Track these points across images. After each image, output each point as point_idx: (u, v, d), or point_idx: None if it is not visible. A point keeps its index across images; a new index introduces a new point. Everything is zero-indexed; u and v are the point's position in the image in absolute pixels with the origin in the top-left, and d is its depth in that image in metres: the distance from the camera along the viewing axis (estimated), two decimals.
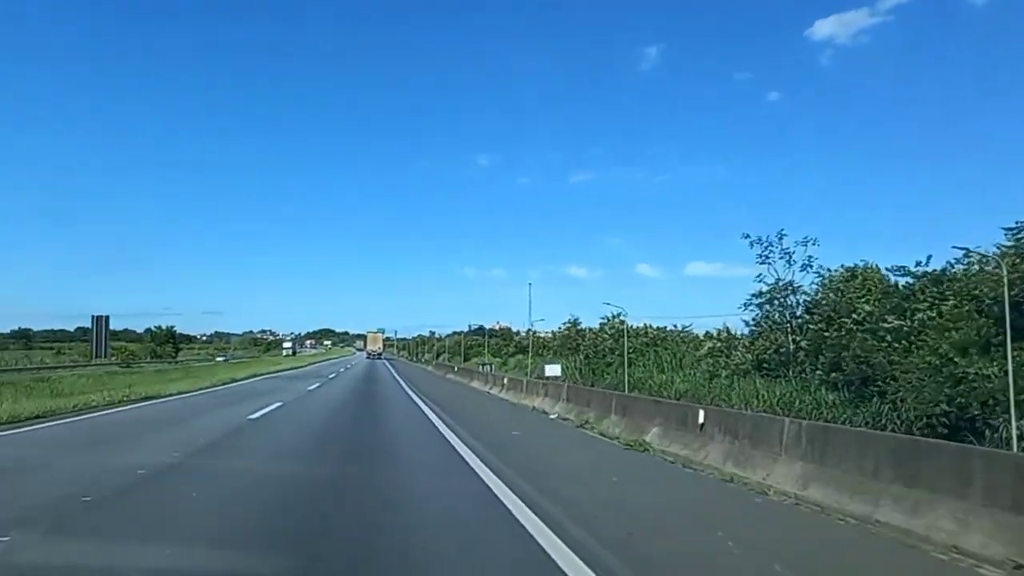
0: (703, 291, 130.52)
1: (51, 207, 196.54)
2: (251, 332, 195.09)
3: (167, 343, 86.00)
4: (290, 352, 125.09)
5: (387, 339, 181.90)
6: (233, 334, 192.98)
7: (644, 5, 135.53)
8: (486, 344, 56.69)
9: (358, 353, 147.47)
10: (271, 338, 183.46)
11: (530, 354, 41.01)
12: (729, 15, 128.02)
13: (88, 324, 79.65)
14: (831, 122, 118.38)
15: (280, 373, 40.67)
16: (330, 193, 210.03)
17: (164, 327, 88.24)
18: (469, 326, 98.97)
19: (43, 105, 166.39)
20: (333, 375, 38.82)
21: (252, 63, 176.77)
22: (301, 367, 53.73)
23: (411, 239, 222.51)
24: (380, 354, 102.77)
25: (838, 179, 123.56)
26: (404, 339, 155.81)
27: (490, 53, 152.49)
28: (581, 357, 44.49)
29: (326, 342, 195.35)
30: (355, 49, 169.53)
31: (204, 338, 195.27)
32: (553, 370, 28.51)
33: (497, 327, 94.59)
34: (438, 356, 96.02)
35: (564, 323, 47.45)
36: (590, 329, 45.27)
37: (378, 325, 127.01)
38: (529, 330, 46.12)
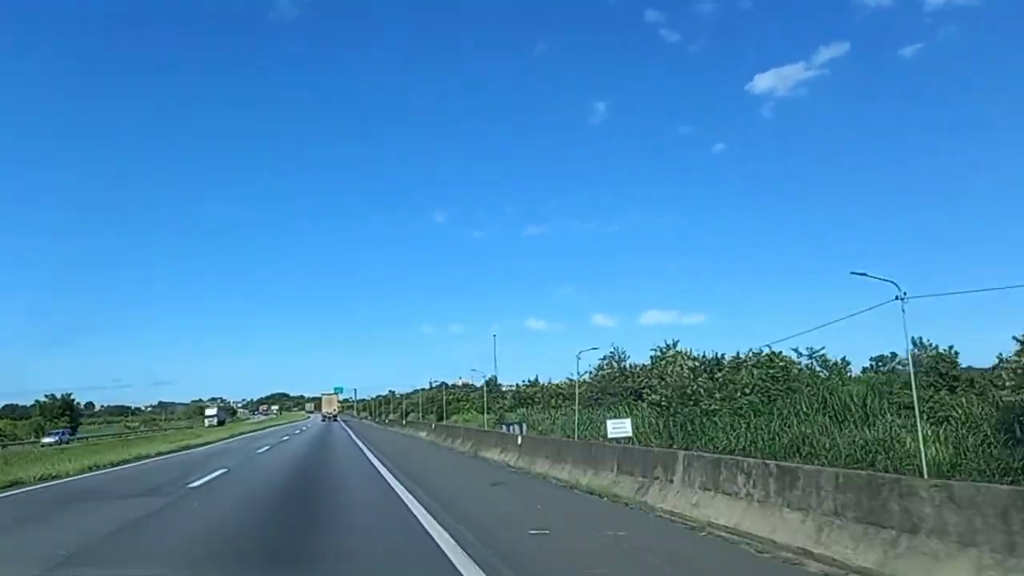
0: (658, 339, 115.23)
1: None
2: (200, 400, 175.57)
3: (61, 416, 66.89)
4: (215, 422, 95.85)
5: (345, 401, 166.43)
6: (179, 403, 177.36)
7: (591, 61, 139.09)
8: (484, 395, 40.26)
9: (311, 416, 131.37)
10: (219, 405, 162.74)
11: (576, 405, 25.08)
12: (672, 70, 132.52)
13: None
14: (773, 170, 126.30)
15: (150, 462, 24.02)
16: (283, 255, 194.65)
17: (59, 396, 68.99)
18: (430, 383, 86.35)
19: None
20: (264, 448, 24.79)
21: (187, 105, 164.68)
22: (214, 442, 36.24)
23: (366, 298, 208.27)
24: (335, 416, 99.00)
25: (781, 222, 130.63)
26: (364, 400, 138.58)
27: (441, 108, 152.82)
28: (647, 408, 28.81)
29: (273, 407, 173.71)
30: (302, 107, 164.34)
31: (149, 409, 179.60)
32: (619, 429, 17.29)
33: (460, 383, 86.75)
34: (406, 415, 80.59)
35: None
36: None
37: (336, 386, 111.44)
38: (571, 379, 31.13)
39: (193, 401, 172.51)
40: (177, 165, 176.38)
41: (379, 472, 14.49)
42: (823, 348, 28.84)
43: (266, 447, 27.01)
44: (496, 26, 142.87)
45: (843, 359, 30.33)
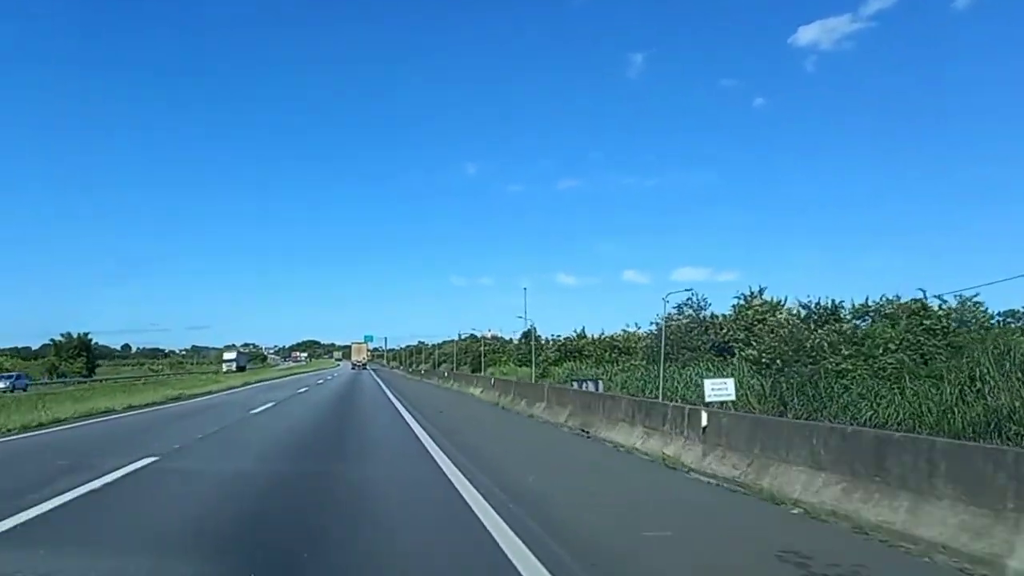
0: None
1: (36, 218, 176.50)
2: (233, 345, 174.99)
3: (77, 357, 63.47)
4: (233, 367, 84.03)
5: (376, 350, 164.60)
6: (213, 347, 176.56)
7: (628, 12, 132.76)
8: (531, 346, 34.47)
9: (340, 365, 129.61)
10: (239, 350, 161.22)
11: (662, 362, 19.20)
12: (712, 22, 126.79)
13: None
14: (816, 126, 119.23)
15: (143, 411, 18.79)
16: (318, 204, 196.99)
17: (75, 335, 65.40)
18: (459, 335, 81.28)
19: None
20: (264, 407, 18.88)
21: (233, 72, 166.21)
22: (216, 392, 31.12)
23: (399, 249, 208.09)
24: (365, 365, 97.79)
25: (823, 181, 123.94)
26: (394, 349, 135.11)
27: (477, 62, 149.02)
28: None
29: (303, 355, 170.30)
30: (339, 58, 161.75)
31: (183, 352, 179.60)
32: (720, 391, 10.88)
33: (489, 335, 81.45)
34: (437, 365, 76.42)
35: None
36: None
37: (366, 334, 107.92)
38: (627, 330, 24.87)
39: (226, 346, 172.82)
40: (214, 110, 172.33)
41: (449, 480, 7.25)
42: (977, 295, 22.31)
43: (269, 404, 20.23)
44: None
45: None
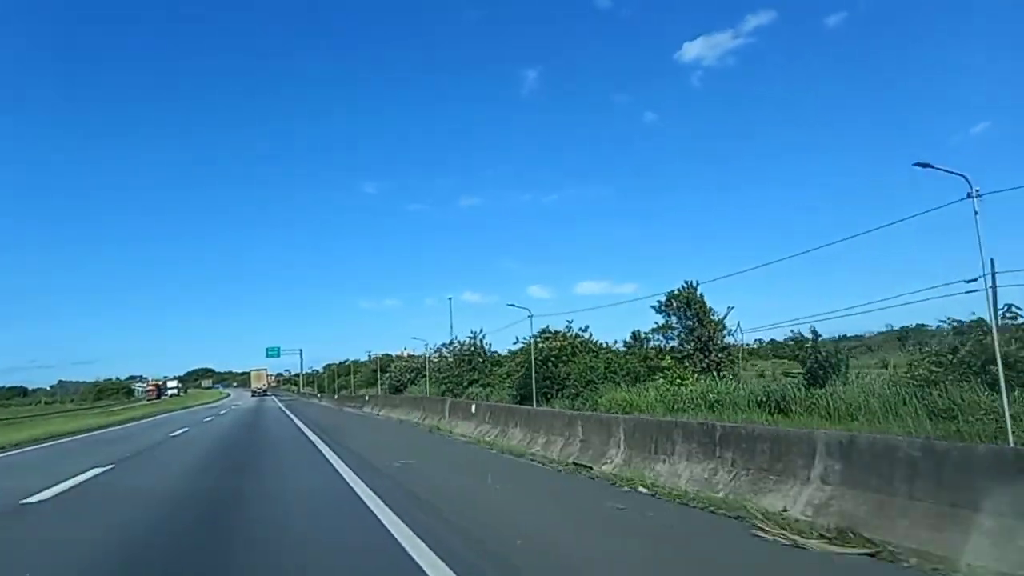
0: (592, 309, 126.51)
1: None
2: (112, 379, 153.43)
3: None
4: None
5: (280, 375, 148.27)
6: (82, 382, 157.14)
7: (521, 28, 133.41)
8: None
9: (231, 395, 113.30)
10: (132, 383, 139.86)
11: None
12: (602, 37, 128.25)
13: None
14: (703, 139, 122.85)
15: None
16: (212, 226, 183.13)
17: None
18: (369, 355, 79.68)
19: None
20: None
21: (128, 91, 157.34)
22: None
23: (300, 271, 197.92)
24: (265, 392, 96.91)
25: (713, 195, 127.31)
26: (314, 372, 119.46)
27: (370, 79, 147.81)
28: None
29: (171, 385, 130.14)
30: (230, 76, 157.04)
31: (51, 388, 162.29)
32: None
33: (405, 354, 78.15)
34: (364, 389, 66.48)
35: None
36: None
37: (269, 349, 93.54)
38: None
39: (106, 380, 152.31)
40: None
41: None
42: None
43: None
44: None
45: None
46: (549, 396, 27.28)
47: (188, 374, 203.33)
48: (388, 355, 78.43)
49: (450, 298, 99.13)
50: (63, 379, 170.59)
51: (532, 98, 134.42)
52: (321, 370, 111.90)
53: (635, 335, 33.31)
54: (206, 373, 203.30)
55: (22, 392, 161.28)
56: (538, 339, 30.95)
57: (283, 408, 44.96)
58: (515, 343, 34.54)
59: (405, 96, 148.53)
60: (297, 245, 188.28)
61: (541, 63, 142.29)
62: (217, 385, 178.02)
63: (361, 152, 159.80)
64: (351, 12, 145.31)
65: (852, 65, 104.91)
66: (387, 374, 64.16)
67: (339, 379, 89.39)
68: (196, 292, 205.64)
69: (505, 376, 34.41)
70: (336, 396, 61.46)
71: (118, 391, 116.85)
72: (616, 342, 33.52)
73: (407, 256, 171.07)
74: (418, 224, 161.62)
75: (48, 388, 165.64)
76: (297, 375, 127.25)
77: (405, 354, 77.72)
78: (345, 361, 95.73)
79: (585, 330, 32.04)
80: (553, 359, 29.30)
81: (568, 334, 31.63)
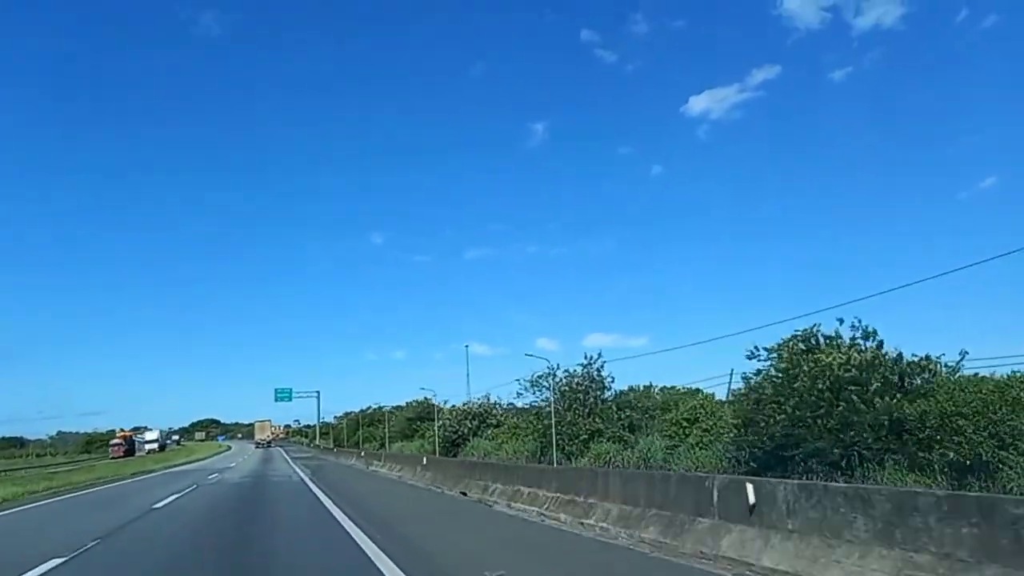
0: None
1: None
2: (105, 431, 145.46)
3: None
4: None
5: (288, 427, 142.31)
6: (80, 432, 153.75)
7: (528, 81, 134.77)
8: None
9: (232, 448, 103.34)
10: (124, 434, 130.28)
11: None
12: (609, 90, 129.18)
13: None
14: (709, 192, 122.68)
15: None
16: (221, 278, 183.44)
17: None
18: (369, 407, 74.52)
19: None
20: None
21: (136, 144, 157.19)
22: None
23: (308, 322, 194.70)
24: (270, 443, 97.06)
25: (721, 246, 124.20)
26: (328, 422, 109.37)
27: (377, 132, 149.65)
28: None
29: (149, 438, 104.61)
30: (233, 124, 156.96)
31: (50, 439, 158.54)
32: None
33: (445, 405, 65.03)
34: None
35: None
36: None
37: (279, 391, 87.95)
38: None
39: (108, 431, 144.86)
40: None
41: None
42: None
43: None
44: (432, 48, 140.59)
45: None
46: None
47: (192, 425, 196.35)
48: (428, 400, 59.79)
49: (467, 346, 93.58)
50: (62, 430, 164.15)
51: (540, 150, 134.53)
52: (334, 420, 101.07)
53: None
54: (212, 424, 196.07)
55: (19, 443, 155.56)
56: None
57: (299, 471, 32.77)
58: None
59: (413, 146, 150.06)
60: (306, 292, 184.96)
61: (548, 117, 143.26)
62: (220, 437, 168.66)
63: (369, 202, 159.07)
64: (360, 64, 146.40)
65: (856, 122, 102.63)
66: (439, 423, 49.87)
67: (362, 429, 71.93)
68: (204, 344, 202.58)
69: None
70: (362, 454, 49.08)
71: (105, 443, 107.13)
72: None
73: (414, 307, 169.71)
74: (424, 275, 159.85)
75: (47, 438, 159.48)
76: (308, 427, 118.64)
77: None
78: (368, 408, 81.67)
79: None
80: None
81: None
